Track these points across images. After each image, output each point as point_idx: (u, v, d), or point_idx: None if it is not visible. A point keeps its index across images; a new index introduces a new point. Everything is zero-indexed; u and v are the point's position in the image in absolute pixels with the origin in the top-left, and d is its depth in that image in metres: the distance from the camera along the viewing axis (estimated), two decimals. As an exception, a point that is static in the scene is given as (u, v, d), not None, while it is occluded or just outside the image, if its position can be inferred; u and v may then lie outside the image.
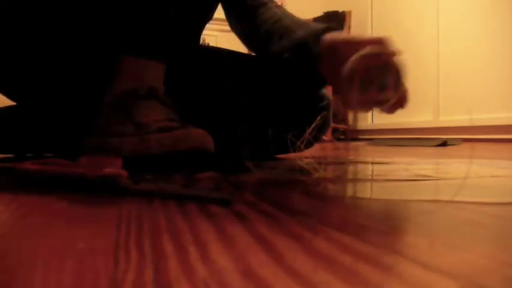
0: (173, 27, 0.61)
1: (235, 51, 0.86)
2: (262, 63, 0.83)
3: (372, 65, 0.58)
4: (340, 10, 3.37)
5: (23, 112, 0.79)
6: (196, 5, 0.64)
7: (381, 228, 0.23)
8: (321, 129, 0.79)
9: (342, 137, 3.46)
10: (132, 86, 0.59)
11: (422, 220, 0.25)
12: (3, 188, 0.41)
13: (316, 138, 0.79)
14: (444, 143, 1.72)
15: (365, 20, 3.36)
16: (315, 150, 1.05)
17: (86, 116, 0.63)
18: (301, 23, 0.74)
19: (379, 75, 0.58)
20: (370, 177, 0.50)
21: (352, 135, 3.45)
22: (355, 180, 0.48)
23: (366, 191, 0.39)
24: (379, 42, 0.61)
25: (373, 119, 3.32)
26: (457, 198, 0.32)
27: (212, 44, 3.63)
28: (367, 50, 0.58)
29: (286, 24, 0.75)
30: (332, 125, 3.04)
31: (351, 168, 0.62)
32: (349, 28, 3.34)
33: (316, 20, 3.40)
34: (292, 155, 0.82)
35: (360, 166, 0.65)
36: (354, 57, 0.57)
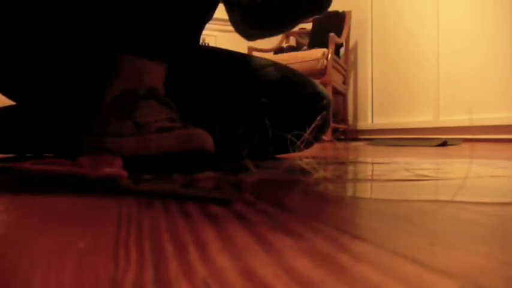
0: (173, 27, 0.61)
1: (235, 51, 0.86)
2: (261, 63, 0.83)
3: None
4: (340, 10, 3.37)
5: (23, 112, 0.79)
6: (196, 5, 0.64)
7: (381, 228, 0.23)
8: (321, 129, 0.79)
9: (342, 137, 3.46)
10: (132, 86, 0.59)
11: (422, 220, 0.25)
12: (3, 188, 0.41)
13: (316, 138, 0.79)
14: (444, 143, 1.72)
15: (365, 20, 3.36)
16: (315, 150, 1.05)
17: (85, 116, 0.63)
18: None
19: None
20: (370, 177, 0.50)
21: (352, 135, 3.45)
22: (355, 180, 0.48)
23: (366, 191, 0.39)
24: None
25: (373, 119, 3.32)
26: (457, 198, 0.32)
27: (212, 44, 3.63)
28: None
29: None
30: (332, 125, 3.04)
31: (351, 168, 0.62)
32: (349, 28, 3.34)
33: (316, 20, 3.41)
34: (292, 154, 0.82)
35: (360, 166, 0.65)
36: None
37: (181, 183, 0.42)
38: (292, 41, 3.82)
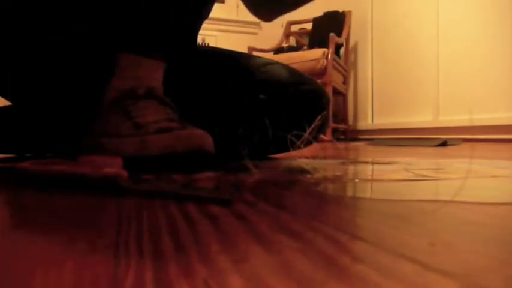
0: (171, 24, 0.61)
1: (235, 51, 0.86)
2: (260, 63, 0.83)
3: None
4: (340, 10, 3.37)
5: (23, 112, 0.79)
6: (193, 2, 0.64)
7: (381, 228, 0.23)
8: (321, 128, 0.79)
9: (342, 137, 3.46)
10: (131, 86, 0.59)
11: (422, 220, 0.25)
12: (3, 188, 0.41)
13: (316, 137, 0.79)
14: (444, 143, 1.72)
15: (365, 20, 3.36)
16: (315, 150, 1.05)
17: (85, 116, 0.63)
18: None
19: None
20: (370, 177, 0.50)
21: (352, 135, 3.45)
22: (355, 180, 0.48)
23: (366, 191, 0.39)
24: None
25: (373, 119, 3.32)
26: (457, 198, 0.32)
27: (212, 44, 3.63)
28: None
29: None
30: (332, 125, 3.04)
31: (351, 168, 0.62)
32: (349, 28, 3.34)
33: (316, 20, 3.41)
34: (292, 154, 0.82)
35: (360, 166, 0.65)
36: None
37: (181, 183, 0.42)
38: (292, 41, 3.82)
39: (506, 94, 2.21)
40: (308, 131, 0.52)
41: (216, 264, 0.16)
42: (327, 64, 2.85)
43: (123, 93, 0.58)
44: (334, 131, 3.28)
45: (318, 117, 0.69)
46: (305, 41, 3.57)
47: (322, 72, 2.84)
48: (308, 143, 0.53)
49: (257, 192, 0.36)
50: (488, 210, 0.28)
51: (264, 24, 3.81)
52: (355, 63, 3.52)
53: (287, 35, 3.71)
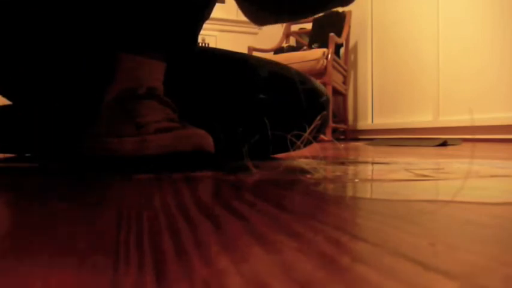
0: (171, 24, 0.61)
1: (234, 51, 0.86)
2: (260, 62, 0.83)
3: None
4: (340, 10, 3.37)
5: (23, 112, 0.79)
6: (194, 2, 0.64)
7: (381, 228, 0.23)
8: (320, 128, 0.79)
9: (342, 137, 3.46)
10: (132, 86, 0.59)
11: (422, 220, 0.25)
12: (3, 188, 0.41)
13: (315, 137, 0.79)
14: (444, 143, 1.72)
15: (365, 20, 3.36)
16: (315, 150, 1.05)
17: (85, 116, 0.63)
18: None
19: None
20: (370, 177, 0.50)
21: (352, 135, 3.45)
22: (355, 180, 0.48)
23: (366, 191, 0.39)
24: None
25: (373, 119, 3.32)
26: (457, 198, 0.32)
27: (212, 44, 3.63)
28: None
29: None
30: (332, 125, 3.04)
31: (351, 168, 0.62)
32: (349, 28, 3.34)
33: (316, 20, 3.41)
34: (292, 154, 0.82)
35: (360, 166, 0.65)
36: None
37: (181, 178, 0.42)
38: (292, 41, 3.82)
39: (506, 94, 2.21)
40: (308, 131, 0.52)
41: (216, 264, 0.16)
42: (327, 64, 2.85)
43: (124, 93, 0.58)
44: (334, 131, 3.28)
45: (318, 117, 0.69)
46: (305, 41, 3.56)
47: (322, 72, 2.84)
48: (308, 143, 0.53)
49: (257, 192, 0.36)
50: (488, 210, 0.28)
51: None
52: (355, 63, 3.52)
53: (287, 35, 3.71)
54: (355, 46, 3.50)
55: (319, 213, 0.28)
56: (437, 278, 0.15)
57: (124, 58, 0.60)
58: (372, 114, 3.33)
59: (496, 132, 2.21)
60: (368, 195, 0.37)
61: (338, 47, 3.26)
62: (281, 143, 0.57)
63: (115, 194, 0.36)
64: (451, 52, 2.56)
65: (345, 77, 3.35)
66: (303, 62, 2.81)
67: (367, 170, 0.59)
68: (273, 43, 3.58)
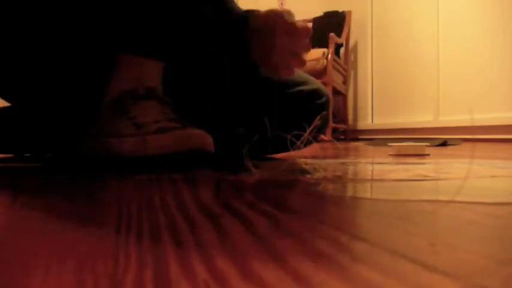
0: (170, 25, 0.61)
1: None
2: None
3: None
4: (340, 10, 3.37)
5: (22, 112, 0.79)
6: (192, 5, 0.64)
7: (381, 228, 0.23)
8: (320, 128, 0.79)
9: (342, 137, 3.46)
10: (131, 86, 0.59)
11: (422, 220, 0.25)
12: (3, 188, 0.41)
13: (316, 137, 0.79)
14: (444, 143, 1.72)
15: (365, 20, 3.36)
16: (315, 150, 1.05)
17: (85, 116, 0.63)
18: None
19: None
20: (370, 177, 0.50)
21: (352, 135, 3.45)
22: (355, 180, 0.48)
23: (366, 191, 0.39)
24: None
25: (373, 119, 3.32)
26: (457, 198, 0.32)
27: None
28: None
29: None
30: (332, 125, 3.04)
31: (351, 168, 0.62)
32: (349, 28, 3.34)
33: (316, 20, 3.40)
34: (292, 154, 0.82)
35: (360, 166, 0.65)
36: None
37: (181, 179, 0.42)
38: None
39: (507, 94, 2.21)
40: (308, 131, 0.52)
41: (216, 264, 0.16)
42: (327, 64, 2.85)
43: (123, 93, 0.58)
44: (334, 131, 3.28)
45: (318, 117, 0.69)
46: (305, 41, 3.56)
47: (322, 72, 2.84)
48: (308, 143, 0.53)
49: (257, 192, 0.36)
50: (488, 210, 0.28)
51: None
52: (355, 63, 3.52)
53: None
54: (355, 46, 3.50)
55: (319, 213, 0.28)
56: (437, 278, 0.15)
57: (123, 58, 0.60)
58: (372, 114, 3.33)
59: (496, 132, 2.21)
60: (368, 195, 0.37)
61: (338, 47, 3.26)
62: (281, 143, 0.57)
63: (115, 194, 0.36)
64: (451, 52, 2.56)
65: (345, 77, 3.34)
66: (302, 62, 2.80)
67: (367, 170, 0.59)
68: (273, 43, 3.57)
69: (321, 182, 0.43)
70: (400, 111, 3.00)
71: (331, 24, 3.26)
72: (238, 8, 0.77)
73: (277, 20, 0.69)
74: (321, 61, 2.84)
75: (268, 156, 0.84)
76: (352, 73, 3.53)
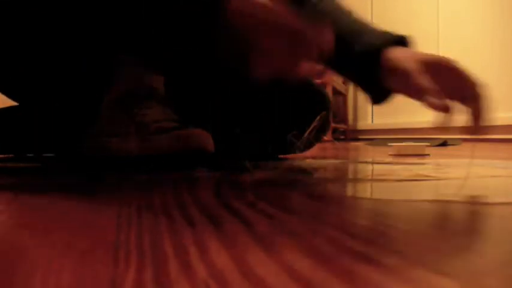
0: (172, 33, 0.61)
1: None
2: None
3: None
4: (340, 10, 3.36)
5: (23, 112, 0.79)
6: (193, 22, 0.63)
7: (381, 228, 0.23)
8: (322, 129, 0.78)
9: (342, 137, 3.46)
10: (132, 86, 0.59)
11: (422, 220, 0.25)
12: (3, 188, 0.41)
13: (317, 138, 0.78)
14: (444, 143, 1.72)
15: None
16: (315, 150, 1.05)
17: (86, 116, 0.63)
18: (362, 25, 0.68)
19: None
20: (370, 177, 0.50)
21: (352, 135, 3.45)
22: (355, 180, 0.48)
23: (366, 191, 0.39)
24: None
25: (373, 119, 3.32)
26: (457, 198, 0.32)
27: (212, 44, 3.62)
28: None
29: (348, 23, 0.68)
30: (332, 125, 3.04)
31: (351, 168, 0.62)
32: (349, 28, 3.33)
33: (316, 20, 3.40)
34: (292, 154, 0.82)
35: (360, 166, 0.65)
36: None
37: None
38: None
39: (506, 94, 2.21)
40: (307, 132, 0.52)
41: (216, 264, 0.16)
42: (327, 64, 2.85)
43: (125, 93, 0.59)
44: (334, 131, 3.28)
45: (318, 118, 0.69)
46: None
47: (322, 72, 2.84)
48: (309, 145, 0.53)
49: (257, 192, 0.35)
50: (488, 210, 0.28)
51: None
52: (355, 63, 3.51)
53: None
54: (355, 46, 3.49)
55: (319, 213, 0.28)
56: (438, 278, 0.15)
57: (124, 59, 0.60)
58: (372, 114, 3.32)
59: (496, 132, 2.21)
60: (368, 195, 0.37)
61: (338, 47, 3.26)
62: (281, 144, 0.57)
63: (115, 194, 0.36)
64: (451, 52, 2.56)
65: (345, 77, 3.34)
66: (302, 62, 2.80)
67: (367, 170, 0.59)
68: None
69: (321, 182, 0.43)
70: (400, 111, 3.00)
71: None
72: None
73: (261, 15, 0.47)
74: (321, 61, 2.84)
75: (269, 156, 0.84)
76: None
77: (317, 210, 0.29)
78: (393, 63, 0.57)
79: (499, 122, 2.19)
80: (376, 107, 2.85)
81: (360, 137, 3.36)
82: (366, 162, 0.73)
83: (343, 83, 3.32)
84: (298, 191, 0.38)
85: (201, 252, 0.18)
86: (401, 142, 0.91)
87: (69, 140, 0.70)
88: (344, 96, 3.36)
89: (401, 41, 0.60)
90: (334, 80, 2.95)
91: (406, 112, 2.94)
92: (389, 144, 1.03)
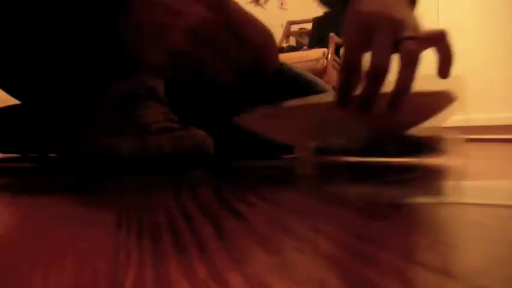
0: None
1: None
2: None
3: None
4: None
5: (25, 112, 0.79)
6: None
7: (381, 228, 0.23)
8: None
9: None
10: (132, 86, 0.59)
11: (422, 220, 0.25)
12: (3, 188, 0.41)
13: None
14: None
15: (365, 20, 3.36)
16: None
17: (86, 116, 0.63)
18: None
19: None
20: (370, 177, 0.50)
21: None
22: (355, 180, 0.48)
23: (366, 191, 0.39)
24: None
25: (373, 119, 3.31)
26: (457, 199, 0.32)
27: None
28: None
29: None
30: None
31: (351, 168, 0.61)
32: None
33: (316, 20, 3.40)
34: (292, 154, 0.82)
35: (360, 166, 0.65)
36: None
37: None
38: (292, 41, 3.82)
39: (506, 94, 2.21)
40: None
41: (216, 264, 0.16)
42: (327, 64, 2.85)
43: (124, 93, 0.58)
44: (334, 131, 3.28)
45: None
46: (305, 41, 3.56)
47: (322, 72, 2.84)
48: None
49: (257, 192, 0.35)
50: (488, 211, 0.28)
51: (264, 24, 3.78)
52: (355, 63, 3.51)
53: (287, 35, 3.70)
54: (355, 46, 3.49)
55: (320, 213, 0.28)
56: (438, 278, 0.15)
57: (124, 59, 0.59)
58: (372, 114, 3.32)
59: (496, 132, 2.21)
60: (368, 195, 0.37)
61: (338, 47, 3.26)
62: (282, 144, 0.57)
63: (115, 194, 0.36)
64: (451, 52, 2.56)
65: (345, 77, 3.34)
66: (303, 62, 2.81)
67: (367, 170, 0.59)
68: (272, 43, 3.57)
69: (320, 182, 0.43)
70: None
71: (331, 24, 3.26)
72: None
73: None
74: (321, 61, 2.84)
75: (269, 156, 0.84)
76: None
77: (317, 210, 0.29)
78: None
79: (499, 122, 2.19)
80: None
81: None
82: (366, 162, 0.73)
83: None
84: (298, 190, 0.38)
85: (201, 252, 0.18)
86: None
87: (69, 140, 0.70)
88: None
89: None
90: (334, 80, 2.95)
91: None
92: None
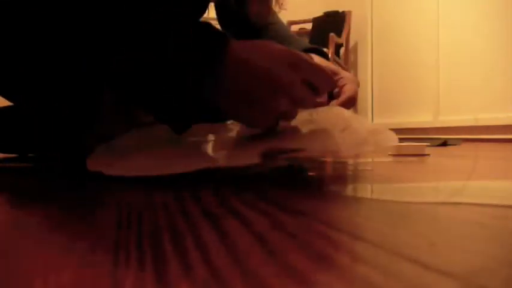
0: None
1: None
2: None
3: None
4: (340, 10, 3.37)
5: (23, 112, 0.79)
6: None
7: (381, 228, 0.23)
8: None
9: (342, 137, 3.46)
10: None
11: (422, 220, 0.25)
12: (3, 188, 0.41)
13: None
14: (444, 143, 1.72)
15: (365, 20, 3.36)
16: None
17: (86, 116, 0.63)
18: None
19: None
20: (370, 178, 0.50)
21: (352, 135, 3.44)
22: (356, 180, 0.48)
23: (366, 191, 0.39)
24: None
25: (373, 119, 3.32)
26: (458, 199, 0.32)
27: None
28: None
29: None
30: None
31: (351, 168, 0.62)
32: (349, 28, 3.34)
33: (316, 20, 3.41)
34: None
35: (360, 166, 0.65)
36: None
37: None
38: (292, 41, 3.81)
39: (507, 94, 2.21)
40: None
41: (215, 264, 0.16)
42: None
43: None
44: (334, 131, 3.28)
45: None
46: (305, 40, 3.56)
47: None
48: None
49: (257, 192, 0.35)
50: (488, 211, 0.28)
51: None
52: (355, 63, 3.52)
53: (287, 35, 3.70)
54: (355, 46, 3.50)
55: (320, 213, 0.28)
56: (437, 278, 0.15)
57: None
58: (372, 114, 3.33)
59: (496, 132, 2.21)
60: (368, 196, 0.37)
61: (338, 47, 3.26)
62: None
63: (115, 194, 0.36)
64: (451, 52, 2.56)
65: (345, 77, 3.34)
66: (303, 62, 2.81)
67: (367, 170, 0.59)
68: (273, 43, 3.57)
69: (321, 182, 0.43)
70: (400, 111, 3.00)
71: (331, 24, 3.26)
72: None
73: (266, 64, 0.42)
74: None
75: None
76: (352, 73, 3.53)
77: (317, 210, 0.29)
78: None
79: (499, 122, 2.19)
80: (377, 107, 2.84)
81: (360, 136, 3.35)
82: (366, 162, 0.73)
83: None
84: (298, 191, 0.38)
85: (201, 252, 0.18)
86: (401, 142, 0.91)
87: (69, 140, 0.70)
88: (344, 96, 3.36)
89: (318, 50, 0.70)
90: (334, 80, 2.95)
91: (406, 112, 2.95)
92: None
